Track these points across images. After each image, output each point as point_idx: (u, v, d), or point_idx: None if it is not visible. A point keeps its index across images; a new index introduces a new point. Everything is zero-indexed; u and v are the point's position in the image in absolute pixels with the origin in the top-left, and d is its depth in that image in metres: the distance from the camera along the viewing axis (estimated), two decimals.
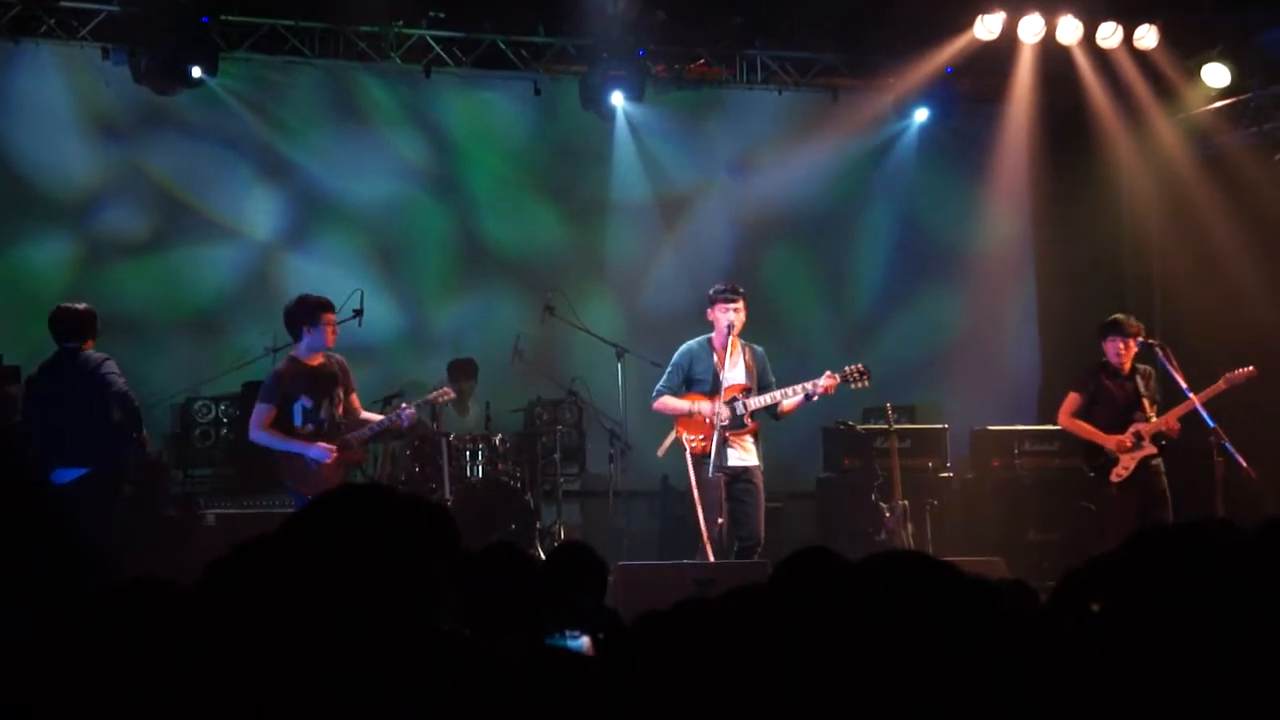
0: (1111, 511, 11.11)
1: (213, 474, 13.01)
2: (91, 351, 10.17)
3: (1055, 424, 11.82)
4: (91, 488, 9.85)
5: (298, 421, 10.11)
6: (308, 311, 10.16)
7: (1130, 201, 15.07)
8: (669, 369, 10.76)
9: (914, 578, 2.53)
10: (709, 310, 10.75)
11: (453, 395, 11.26)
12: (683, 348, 10.80)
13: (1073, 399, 11.31)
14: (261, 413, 10.11)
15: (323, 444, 10.07)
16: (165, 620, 3.25)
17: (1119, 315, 11.35)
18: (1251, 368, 10.98)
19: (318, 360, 10.16)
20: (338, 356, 10.30)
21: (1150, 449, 11.00)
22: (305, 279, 13.58)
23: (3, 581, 2.87)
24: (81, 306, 10.36)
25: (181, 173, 13.70)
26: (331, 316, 10.22)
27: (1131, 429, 11.02)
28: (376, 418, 10.47)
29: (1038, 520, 13.25)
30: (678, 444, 10.62)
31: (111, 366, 10.09)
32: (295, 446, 10.09)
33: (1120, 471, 11.03)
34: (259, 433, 10.10)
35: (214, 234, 13.79)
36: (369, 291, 11.88)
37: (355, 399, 10.35)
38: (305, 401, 10.15)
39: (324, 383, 10.16)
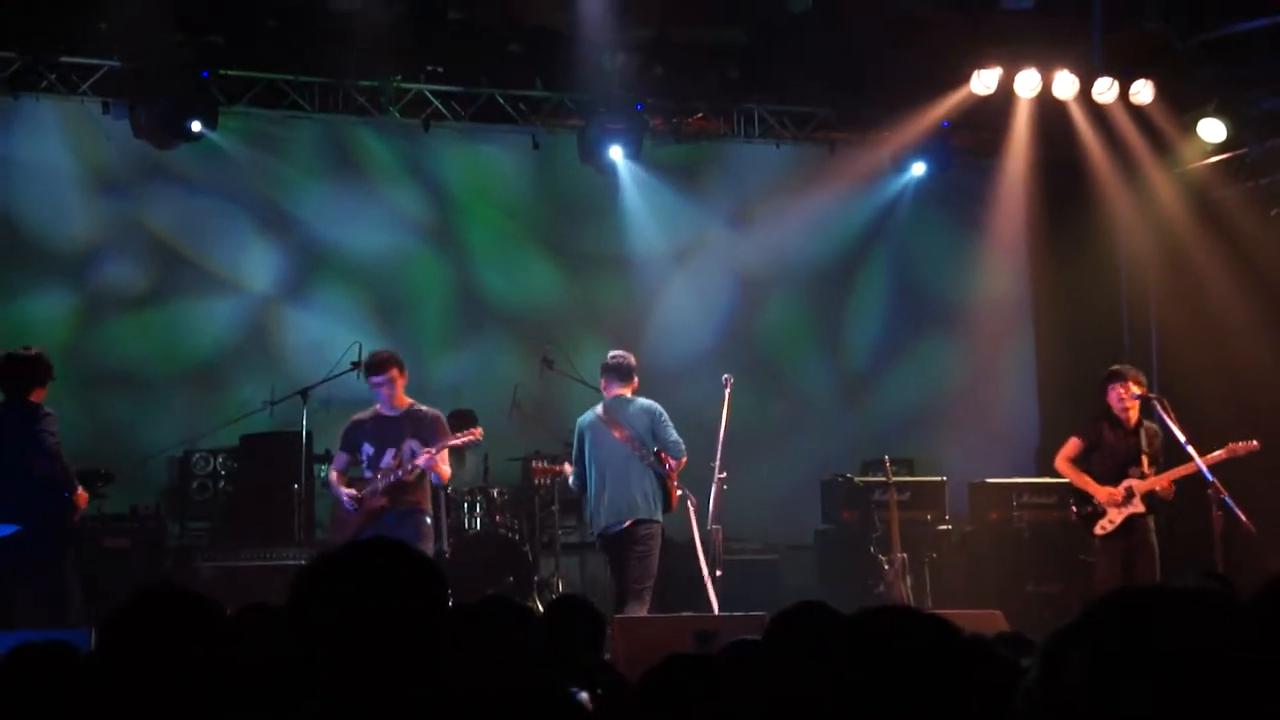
0: (1100, 564, 11.13)
1: (210, 527, 12.98)
2: (36, 404, 9.86)
3: (1054, 476, 11.81)
4: (24, 546, 9.63)
5: (364, 466, 10.40)
6: None
7: (1127, 255, 15.10)
8: (671, 423, 10.83)
9: (904, 634, 2.53)
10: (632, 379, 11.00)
11: (479, 436, 10.84)
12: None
13: (1073, 443, 11.27)
14: (335, 459, 10.62)
15: (350, 491, 10.30)
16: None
17: (1118, 365, 11.36)
18: (1255, 442, 10.94)
19: (395, 411, 10.39)
20: (429, 411, 10.47)
21: (1139, 507, 10.96)
22: (304, 332, 13.65)
23: None
24: (29, 352, 10.09)
25: (181, 226, 13.73)
26: (372, 379, 10.44)
27: (1124, 484, 10.99)
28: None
29: (1037, 573, 13.22)
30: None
31: (48, 424, 9.80)
32: (336, 491, 10.42)
33: (1105, 525, 11.00)
34: (329, 477, 10.60)
35: (213, 287, 13.80)
36: (367, 344, 11.90)
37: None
38: (368, 448, 10.40)
39: (391, 432, 10.34)
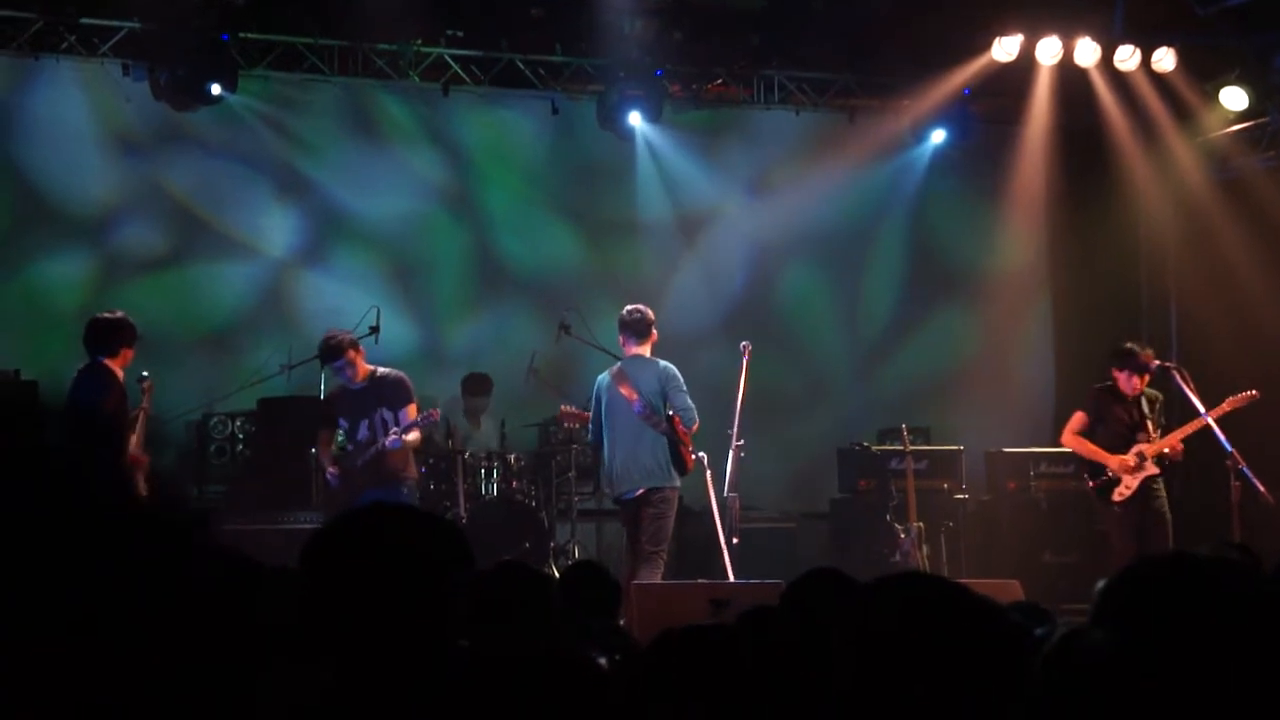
0: (1116, 532, 11.16)
1: (227, 490, 13.01)
2: (101, 367, 9.89)
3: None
4: None
5: (342, 441, 10.82)
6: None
7: (1147, 224, 15.05)
8: (685, 388, 10.74)
9: (925, 599, 2.53)
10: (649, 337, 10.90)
11: (436, 416, 11.20)
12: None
13: (1078, 418, 11.36)
14: (319, 436, 10.97)
15: (332, 469, 10.59)
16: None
17: (1134, 346, 11.32)
18: (1254, 391, 11.01)
19: (360, 384, 10.63)
20: (391, 374, 10.71)
21: (1152, 470, 11.02)
22: (322, 296, 13.65)
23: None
24: (103, 317, 10.15)
25: (200, 189, 13.73)
26: (333, 365, 10.70)
27: (1134, 449, 11.04)
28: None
29: (1054, 542, 13.21)
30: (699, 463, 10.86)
31: (96, 391, 9.77)
32: (325, 465, 10.74)
33: (1122, 491, 11.05)
34: (317, 452, 11.00)
35: (231, 251, 13.82)
36: (385, 309, 11.97)
37: (411, 410, 10.58)
38: (343, 423, 10.75)
39: (361, 404, 10.60)
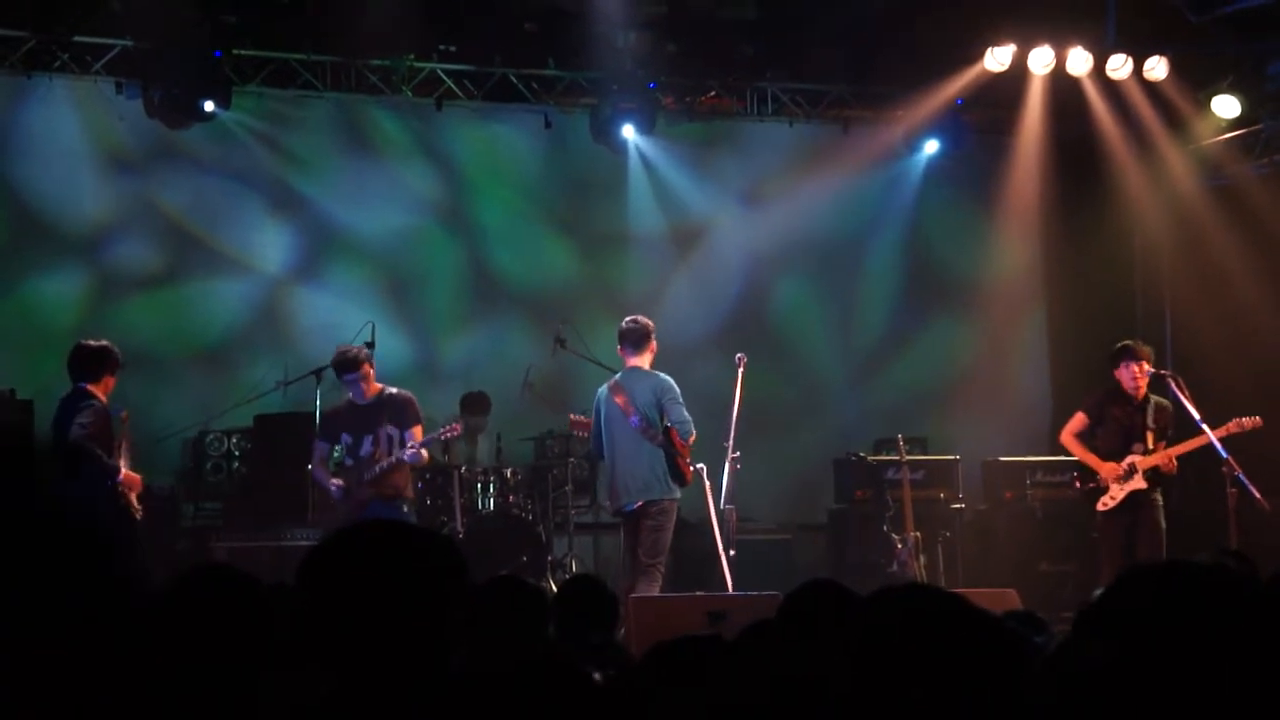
0: (1102, 541, 11.15)
1: (224, 507, 13.00)
2: (85, 393, 9.90)
3: (1067, 455, 11.79)
4: None
5: (340, 456, 10.74)
6: None
7: (1141, 232, 15.06)
8: (681, 400, 10.72)
9: (925, 611, 2.52)
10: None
11: (458, 431, 11.34)
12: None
13: (1078, 419, 11.32)
14: (315, 449, 10.88)
15: (337, 481, 10.54)
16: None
17: (1128, 341, 11.33)
18: (1259, 419, 10.95)
19: (367, 400, 10.64)
20: (400, 394, 10.74)
21: (1141, 483, 10.94)
22: (316, 312, 13.65)
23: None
24: (89, 344, 10.18)
25: (193, 206, 13.73)
26: (345, 378, 10.68)
27: (1127, 460, 10.98)
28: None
29: (1050, 552, 13.21)
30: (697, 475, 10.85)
31: (82, 415, 9.74)
32: (321, 482, 10.71)
33: (1107, 500, 11.01)
34: (312, 467, 10.88)
35: (225, 268, 13.81)
36: (380, 324, 11.96)
37: (417, 431, 10.63)
38: (346, 438, 10.68)
39: (367, 420, 10.62)
